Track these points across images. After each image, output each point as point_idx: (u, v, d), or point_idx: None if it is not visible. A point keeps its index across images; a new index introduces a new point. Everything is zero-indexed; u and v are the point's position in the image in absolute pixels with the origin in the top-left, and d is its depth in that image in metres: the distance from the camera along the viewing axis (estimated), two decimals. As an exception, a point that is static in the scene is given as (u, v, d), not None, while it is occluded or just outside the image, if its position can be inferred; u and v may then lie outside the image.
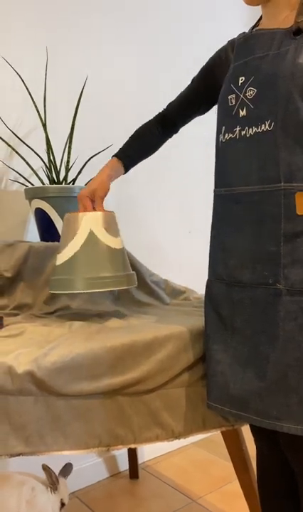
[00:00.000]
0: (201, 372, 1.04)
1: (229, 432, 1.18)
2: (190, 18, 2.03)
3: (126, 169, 1.17)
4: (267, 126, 0.87)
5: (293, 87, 0.83)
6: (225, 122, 0.95)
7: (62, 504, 1.24)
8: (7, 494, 1.16)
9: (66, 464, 1.28)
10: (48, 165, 1.46)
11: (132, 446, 0.97)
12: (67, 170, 1.47)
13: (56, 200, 1.40)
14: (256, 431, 1.07)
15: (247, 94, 0.90)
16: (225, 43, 1.05)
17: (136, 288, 1.44)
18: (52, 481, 1.23)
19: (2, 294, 1.33)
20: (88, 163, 1.52)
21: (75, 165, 1.63)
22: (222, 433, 1.19)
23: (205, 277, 1.07)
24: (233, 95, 0.93)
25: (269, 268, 0.87)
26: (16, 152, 1.42)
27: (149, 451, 1.88)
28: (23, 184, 1.52)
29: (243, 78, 0.91)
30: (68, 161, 1.47)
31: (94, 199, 1.13)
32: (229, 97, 0.94)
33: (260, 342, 0.89)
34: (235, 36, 1.03)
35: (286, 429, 0.84)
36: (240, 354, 0.92)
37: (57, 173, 1.46)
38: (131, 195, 1.87)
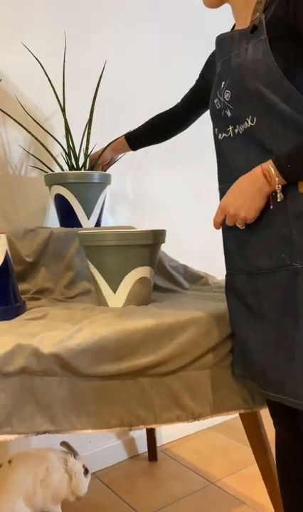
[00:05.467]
0: (221, 355, 1.05)
1: (248, 415, 1.19)
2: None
3: (133, 148, 1.41)
4: (250, 123, 0.91)
5: (259, 83, 0.87)
6: (218, 124, 1.01)
7: (86, 470, 1.28)
8: (24, 472, 1.20)
9: (62, 443, 1.31)
10: (67, 151, 1.46)
11: (153, 426, 0.99)
12: (86, 156, 1.48)
13: (75, 186, 1.41)
14: (275, 414, 1.08)
15: (225, 97, 0.95)
16: None
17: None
18: (72, 451, 1.28)
19: (24, 279, 1.36)
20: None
21: (94, 151, 1.63)
22: (241, 416, 1.20)
23: (222, 263, 1.08)
24: (217, 99, 0.98)
25: (285, 250, 0.90)
26: (36, 139, 1.43)
27: (167, 435, 1.91)
28: (43, 170, 1.53)
29: (220, 82, 0.97)
30: (87, 147, 1.47)
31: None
32: (215, 101, 0.99)
33: (286, 324, 0.90)
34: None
35: None
36: (270, 340, 0.93)
37: (77, 159, 1.47)
38: (149, 181, 1.88)
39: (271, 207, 0.91)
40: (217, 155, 1.04)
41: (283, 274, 0.90)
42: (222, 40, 0.98)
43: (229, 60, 0.94)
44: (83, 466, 1.27)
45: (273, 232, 0.91)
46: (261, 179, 0.88)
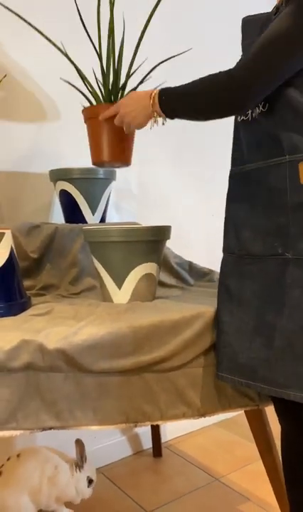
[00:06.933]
0: (227, 352, 1.04)
1: (253, 412, 1.19)
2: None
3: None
4: (261, 108, 0.92)
5: None
6: None
7: (90, 481, 1.28)
8: (31, 468, 1.20)
9: (77, 441, 1.28)
10: (105, 68, 1.18)
11: (159, 422, 0.99)
12: (128, 76, 1.21)
13: (80, 181, 1.40)
14: (279, 409, 1.07)
15: None
16: None
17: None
18: (80, 458, 1.26)
19: (29, 275, 1.36)
20: (155, 71, 1.25)
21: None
22: (246, 413, 1.20)
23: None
24: None
25: (279, 239, 0.91)
26: (63, 53, 1.20)
27: (171, 431, 1.91)
28: (77, 90, 1.27)
29: None
30: (131, 65, 1.21)
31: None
32: None
33: (267, 312, 0.91)
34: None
35: (293, 396, 0.87)
36: (246, 324, 0.95)
37: (116, 78, 1.19)
38: (154, 177, 1.87)
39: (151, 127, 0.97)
40: (234, 137, 1.04)
41: (272, 262, 0.92)
42: (247, 23, 0.99)
43: (249, 46, 0.94)
44: (88, 477, 1.27)
45: (271, 220, 0.92)
46: (147, 98, 0.94)
